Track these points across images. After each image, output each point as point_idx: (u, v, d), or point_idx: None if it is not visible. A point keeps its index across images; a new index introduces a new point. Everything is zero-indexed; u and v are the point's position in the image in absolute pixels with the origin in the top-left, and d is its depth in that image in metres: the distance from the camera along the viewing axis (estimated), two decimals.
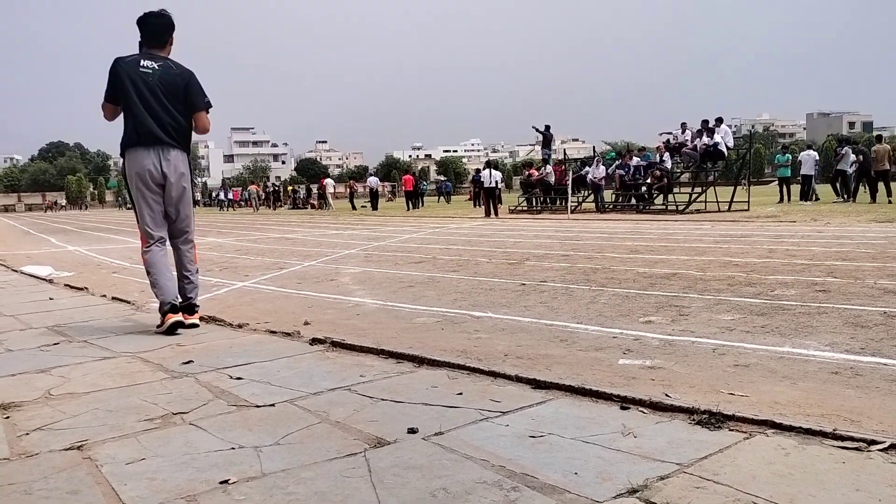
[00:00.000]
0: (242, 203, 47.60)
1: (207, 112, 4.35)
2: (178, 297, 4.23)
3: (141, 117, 4.09)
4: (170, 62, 4.25)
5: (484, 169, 22.79)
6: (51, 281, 7.02)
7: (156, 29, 4.23)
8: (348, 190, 37.49)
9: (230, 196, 50.82)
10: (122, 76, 4.10)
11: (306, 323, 4.33)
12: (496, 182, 21.65)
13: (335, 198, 38.62)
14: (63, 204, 75.18)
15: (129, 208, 4.45)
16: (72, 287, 6.34)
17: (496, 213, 20.58)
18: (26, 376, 3.12)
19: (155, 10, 4.23)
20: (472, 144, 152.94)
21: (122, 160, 4.28)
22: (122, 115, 4.19)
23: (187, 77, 4.26)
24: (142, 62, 4.14)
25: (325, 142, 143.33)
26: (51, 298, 5.62)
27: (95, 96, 4.20)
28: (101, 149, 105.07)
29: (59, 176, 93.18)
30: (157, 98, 4.13)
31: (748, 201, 17.55)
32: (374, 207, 31.86)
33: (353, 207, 33.58)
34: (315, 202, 38.80)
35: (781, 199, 20.97)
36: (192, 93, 4.26)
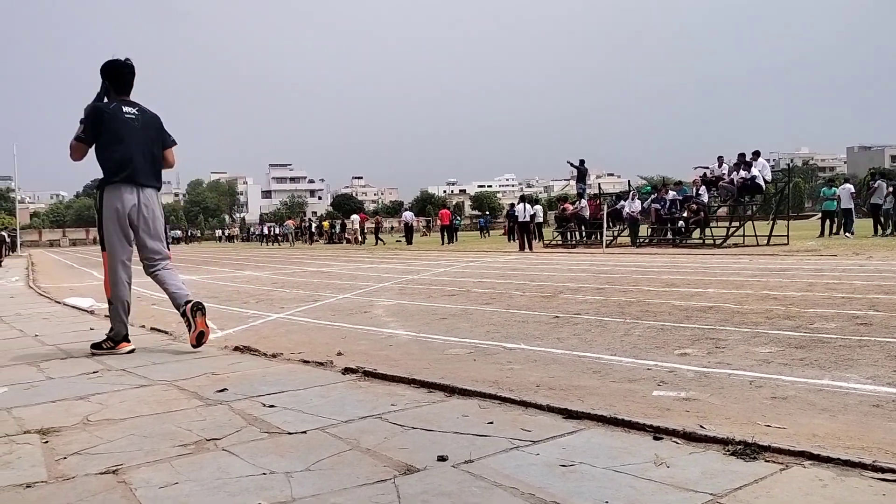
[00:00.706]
0: (280, 238, 48.49)
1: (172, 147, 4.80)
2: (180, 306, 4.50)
3: (128, 158, 4.41)
4: (143, 107, 4.59)
5: (518, 203, 22.82)
6: (92, 312, 7.17)
7: (126, 78, 4.56)
8: (374, 225, 38.05)
9: (270, 230, 51.99)
10: (109, 121, 4.40)
11: (339, 353, 4.36)
12: (531, 216, 21.64)
13: (362, 233, 38.99)
14: None
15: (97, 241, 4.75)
16: None
17: (530, 248, 20.53)
18: (66, 403, 3.18)
19: (120, 60, 4.54)
20: (507, 179, 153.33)
21: (97, 193, 4.60)
22: (97, 154, 4.45)
23: (158, 119, 4.68)
24: (124, 108, 4.48)
25: (361, 177, 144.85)
26: (91, 329, 5.73)
27: None
28: None
29: None
30: (143, 141, 4.49)
31: (787, 235, 17.26)
32: (409, 242, 32.08)
33: (383, 242, 33.87)
34: (350, 237, 39.26)
35: (822, 233, 20.58)
36: (164, 133, 4.70)
